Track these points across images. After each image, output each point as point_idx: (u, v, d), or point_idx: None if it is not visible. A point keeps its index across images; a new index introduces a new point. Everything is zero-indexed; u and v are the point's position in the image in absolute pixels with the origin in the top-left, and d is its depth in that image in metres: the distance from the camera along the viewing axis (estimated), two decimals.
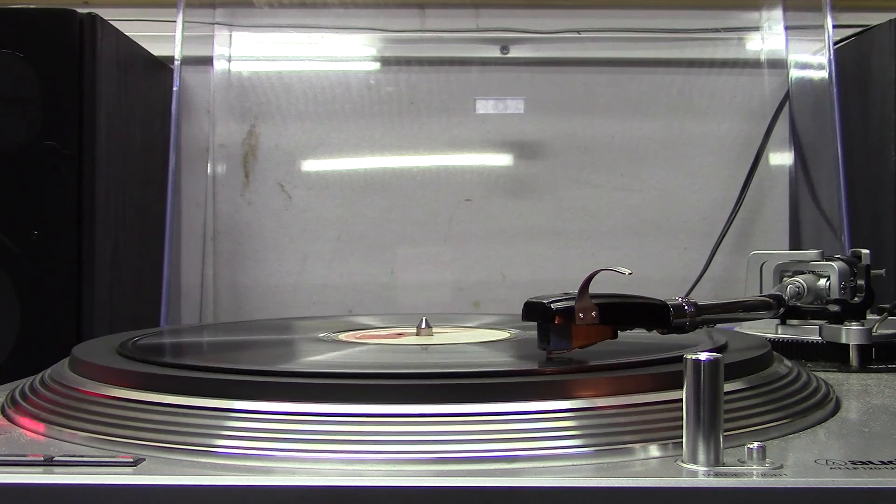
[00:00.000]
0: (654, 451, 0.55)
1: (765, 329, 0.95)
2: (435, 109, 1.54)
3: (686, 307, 0.72)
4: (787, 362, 0.74)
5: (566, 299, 0.66)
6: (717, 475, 0.50)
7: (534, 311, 0.66)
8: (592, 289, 0.66)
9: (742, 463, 0.52)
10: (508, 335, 0.85)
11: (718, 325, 0.80)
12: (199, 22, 1.51)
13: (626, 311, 0.69)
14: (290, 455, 0.54)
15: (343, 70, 1.54)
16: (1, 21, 1.14)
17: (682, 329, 0.72)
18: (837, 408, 0.69)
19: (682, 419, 0.53)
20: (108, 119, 1.23)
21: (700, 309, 0.73)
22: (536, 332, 0.68)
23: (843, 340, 0.88)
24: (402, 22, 1.54)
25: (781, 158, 1.55)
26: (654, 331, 0.72)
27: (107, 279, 1.22)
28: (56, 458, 0.53)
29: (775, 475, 0.50)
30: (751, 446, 0.53)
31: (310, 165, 1.54)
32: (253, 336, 0.94)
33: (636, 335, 0.73)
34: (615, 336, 0.69)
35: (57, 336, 1.13)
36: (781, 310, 0.87)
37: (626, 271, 0.67)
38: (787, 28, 1.54)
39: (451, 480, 0.50)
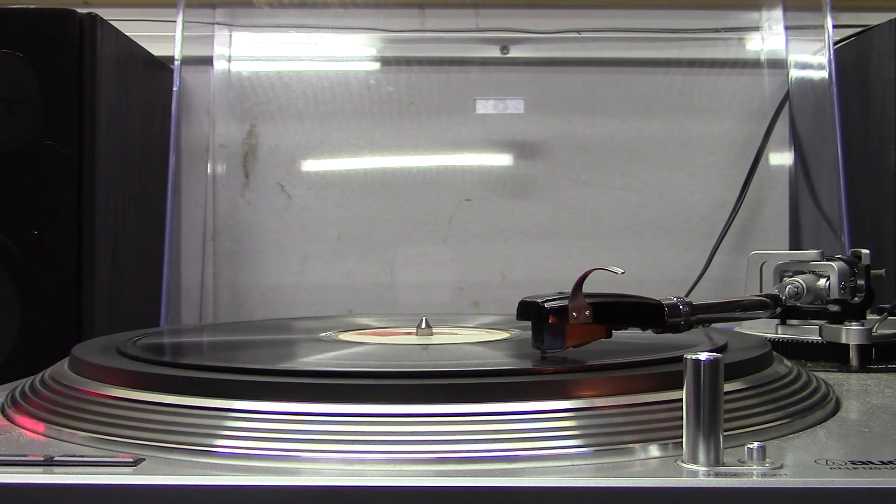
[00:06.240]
0: (654, 451, 0.55)
1: (765, 329, 0.95)
2: (435, 109, 1.54)
3: (681, 306, 0.71)
4: (787, 362, 0.74)
5: (560, 298, 0.66)
6: (717, 475, 0.50)
7: (528, 310, 0.66)
8: (591, 289, 0.66)
9: (742, 463, 0.52)
10: (508, 335, 0.85)
11: (718, 325, 0.80)
12: (199, 22, 1.51)
13: (620, 311, 0.69)
14: (289, 455, 0.54)
15: (343, 70, 1.54)
16: (1, 21, 1.14)
17: (677, 328, 0.71)
18: (837, 408, 0.69)
19: (682, 419, 0.53)
20: (108, 119, 1.23)
21: (695, 308, 0.72)
22: (531, 331, 0.68)
23: (843, 340, 0.88)
24: (402, 22, 1.54)
25: (781, 158, 1.55)
26: (649, 330, 0.71)
27: (107, 279, 1.22)
28: (56, 458, 0.53)
29: (775, 475, 0.50)
30: (751, 446, 0.53)
31: (310, 165, 1.54)
32: (253, 336, 0.94)
33: (637, 336, 0.73)
34: (609, 335, 0.68)
35: (57, 336, 1.13)
36: (778, 309, 0.87)
37: (619, 270, 0.67)
38: (787, 28, 1.54)
39: (452, 480, 0.50)
